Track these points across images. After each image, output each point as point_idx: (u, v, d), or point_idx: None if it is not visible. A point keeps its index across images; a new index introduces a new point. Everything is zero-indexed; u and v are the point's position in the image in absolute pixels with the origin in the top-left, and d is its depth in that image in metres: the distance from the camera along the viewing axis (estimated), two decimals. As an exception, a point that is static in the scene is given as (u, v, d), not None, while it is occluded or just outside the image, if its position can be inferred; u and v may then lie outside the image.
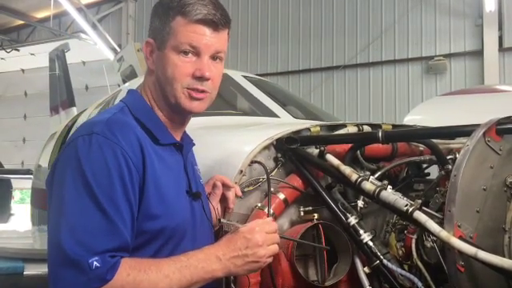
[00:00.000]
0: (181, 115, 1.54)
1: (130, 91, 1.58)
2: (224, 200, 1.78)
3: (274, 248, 1.44)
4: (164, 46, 1.44)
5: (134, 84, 4.00)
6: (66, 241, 1.20)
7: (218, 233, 1.75)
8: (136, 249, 1.33)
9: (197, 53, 1.44)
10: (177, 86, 1.44)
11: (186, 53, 1.43)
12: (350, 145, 1.95)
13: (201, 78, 1.44)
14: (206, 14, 1.42)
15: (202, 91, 1.46)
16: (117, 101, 3.92)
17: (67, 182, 1.27)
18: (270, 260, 1.44)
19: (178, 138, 1.55)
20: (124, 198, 1.28)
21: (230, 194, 1.76)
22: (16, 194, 13.76)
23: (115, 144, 1.30)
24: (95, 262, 1.19)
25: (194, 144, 1.65)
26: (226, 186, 1.76)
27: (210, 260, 1.35)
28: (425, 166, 2.19)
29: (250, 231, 1.41)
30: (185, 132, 1.62)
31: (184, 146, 1.54)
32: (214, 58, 1.47)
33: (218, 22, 1.44)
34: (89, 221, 1.23)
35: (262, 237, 1.41)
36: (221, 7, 1.47)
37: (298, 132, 2.03)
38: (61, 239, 1.20)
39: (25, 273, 2.98)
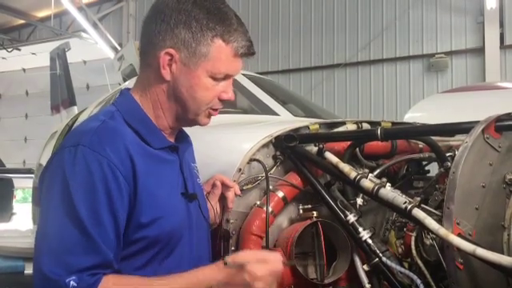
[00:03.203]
0: (187, 125, 1.54)
1: (122, 93, 1.53)
2: (223, 199, 1.77)
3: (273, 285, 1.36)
4: (195, 66, 1.38)
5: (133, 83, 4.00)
6: (45, 261, 1.19)
7: (216, 232, 1.75)
8: (132, 255, 1.33)
9: (226, 77, 1.44)
10: (202, 107, 1.44)
11: (219, 79, 1.42)
12: (349, 142, 1.95)
13: (226, 101, 1.46)
14: (249, 48, 1.42)
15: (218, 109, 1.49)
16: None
17: (51, 197, 1.26)
18: None
19: (172, 138, 1.52)
20: (109, 212, 1.25)
21: (230, 194, 1.75)
22: (18, 193, 13.77)
23: (102, 156, 1.27)
24: (72, 282, 1.16)
25: (190, 142, 1.63)
26: (225, 186, 1.75)
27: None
28: (424, 163, 2.19)
29: (255, 278, 1.29)
30: (181, 129, 1.59)
31: (179, 147, 1.52)
32: None
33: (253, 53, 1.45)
34: (67, 238, 1.20)
35: (264, 284, 1.31)
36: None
37: (296, 130, 2.03)
38: (41, 260, 1.20)
39: (26, 272, 2.99)
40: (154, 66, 1.42)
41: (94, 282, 1.19)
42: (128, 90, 1.53)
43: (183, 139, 1.59)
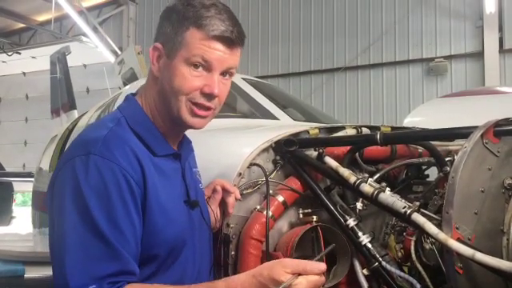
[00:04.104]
0: (181, 128, 1.52)
1: (127, 98, 1.54)
2: (223, 204, 1.78)
3: None
4: (174, 56, 1.39)
5: (134, 87, 4.01)
6: (69, 270, 1.18)
7: (216, 236, 1.75)
8: (142, 263, 1.32)
9: (208, 68, 1.39)
10: (181, 99, 1.40)
11: (196, 66, 1.38)
12: (348, 147, 1.95)
13: (208, 95, 1.40)
14: (223, 31, 1.37)
15: (208, 108, 1.43)
16: (117, 104, 3.95)
17: (67, 207, 1.24)
18: None
19: (175, 146, 1.53)
20: (126, 219, 1.25)
21: (230, 199, 1.76)
22: (17, 197, 13.77)
23: (114, 163, 1.27)
24: None
25: (192, 149, 1.64)
26: (225, 191, 1.76)
27: None
28: (424, 167, 2.19)
29: None
30: (183, 135, 1.60)
31: (182, 154, 1.52)
32: (224, 73, 1.43)
33: (235, 39, 1.40)
34: (88, 247, 1.20)
35: None
36: (237, 24, 1.43)
37: (296, 134, 2.03)
38: (63, 270, 1.19)
39: (25, 275, 2.99)
40: (150, 66, 1.46)
41: None
42: (133, 94, 1.55)
43: (185, 145, 1.60)
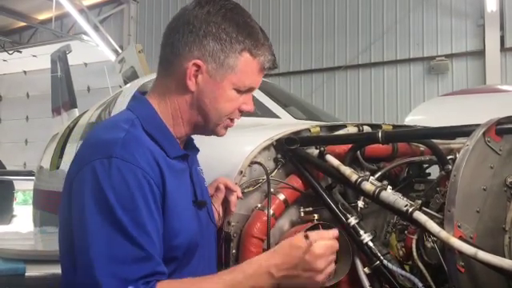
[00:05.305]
0: (204, 134, 1.55)
1: (136, 97, 1.52)
2: (225, 202, 1.78)
3: (331, 269, 1.34)
4: (222, 78, 1.40)
5: (135, 85, 4.01)
6: (100, 273, 1.17)
7: (218, 234, 1.75)
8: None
9: (249, 91, 1.47)
10: (223, 117, 1.46)
11: (242, 91, 1.44)
12: (350, 145, 1.95)
13: (246, 112, 1.48)
14: (273, 62, 1.45)
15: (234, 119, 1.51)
16: (117, 103, 3.95)
17: (90, 211, 1.22)
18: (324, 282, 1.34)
19: (182, 146, 1.53)
20: (151, 220, 1.25)
21: (233, 198, 1.77)
22: (18, 196, 13.78)
23: (135, 166, 1.26)
24: None
25: (197, 148, 1.63)
26: (228, 189, 1.76)
27: (262, 277, 1.27)
28: (425, 166, 2.19)
29: (315, 257, 1.27)
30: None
31: (190, 155, 1.52)
32: None
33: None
34: (118, 250, 1.19)
35: (325, 263, 1.29)
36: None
37: (297, 133, 2.03)
38: (95, 272, 1.17)
39: (26, 274, 2.99)
40: (177, 75, 1.42)
41: None
42: (142, 94, 1.53)
43: (191, 145, 1.60)
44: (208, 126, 1.48)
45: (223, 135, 1.53)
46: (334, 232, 1.36)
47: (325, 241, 1.30)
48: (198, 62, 1.38)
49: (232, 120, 1.50)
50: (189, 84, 1.40)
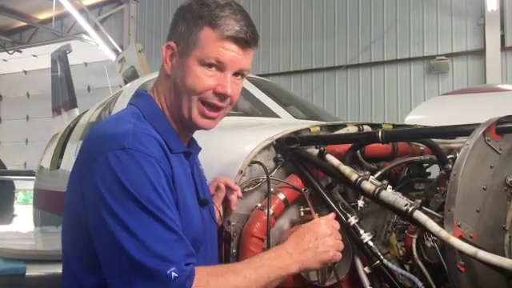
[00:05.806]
0: (190, 129, 1.52)
1: (141, 94, 1.53)
2: (226, 201, 1.79)
3: (340, 244, 1.52)
4: (187, 55, 1.39)
5: (135, 85, 4.01)
6: (141, 256, 1.17)
7: (218, 234, 1.75)
8: None
9: (221, 68, 1.40)
10: (193, 98, 1.41)
11: (210, 66, 1.39)
12: (350, 145, 1.95)
13: (221, 95, 1.41)
14: (237, 32, 1.37)
15: (218, 109, 1.44)
16: (118, 103, 3.95)
17: (109, 202, 1.21)
18: (338, 255, 1.50)
19: (185, 144, 1.53)
20: (171, 208, 1.26)
21: (233, 197, 1.77)
22: (19, 195, 13.80)
23: (150, 156, 1.26)
24: (173, 273, 1.18)
25: (200, 148, 1.63)
26: (229, 189, 1.77)
27: (282, 256, 1.39)
28: (425, 165, 2.19)
29: (316, 224, 1.50)
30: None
31: (192, 153, 1.52)
32: (236, 73, 1.44)
33: (249, 40, 1.40)
34: (154, 233, 1.20)
35: (330, 228, 1.50)
36: (252, 24, 1.42)
37: (297, 132, 2.03)
38: (134, 255, 1.17)
39: (26, 274, 2.99)
40: (162, 64, 1.46)
41: (190, 271, 1.22)
42: (144, 91, 1.55)
43: (193, 144, 1.60)
44: (183, 112, 1.43)
45: (207, 126, 1.47)
46: (331, 215, 1.67)
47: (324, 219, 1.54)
48: (171, 43, 1.43)
49: (209, 105, 1.42)
50: (166, 68, 1.44)
